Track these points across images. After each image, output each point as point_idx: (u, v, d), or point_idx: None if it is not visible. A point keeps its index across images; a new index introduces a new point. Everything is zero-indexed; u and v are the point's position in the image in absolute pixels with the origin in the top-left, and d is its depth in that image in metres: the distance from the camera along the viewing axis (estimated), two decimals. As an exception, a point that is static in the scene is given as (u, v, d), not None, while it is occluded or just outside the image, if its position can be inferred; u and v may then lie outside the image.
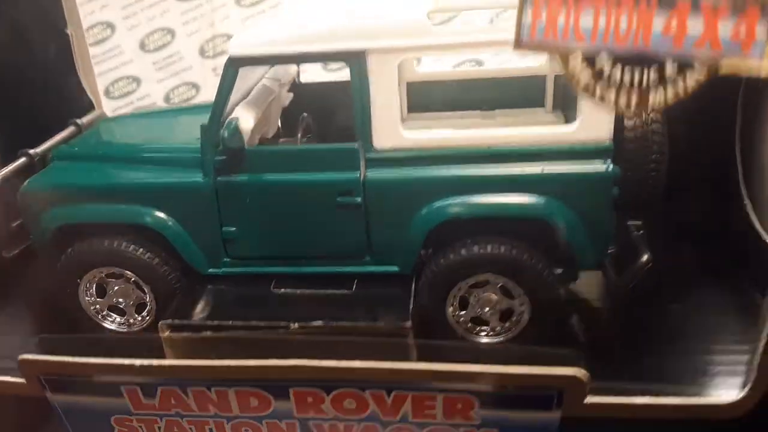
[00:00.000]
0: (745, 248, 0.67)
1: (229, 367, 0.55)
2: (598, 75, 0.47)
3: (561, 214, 0.60)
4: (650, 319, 0.65)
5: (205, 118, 0.63)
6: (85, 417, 0.59)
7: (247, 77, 0.67)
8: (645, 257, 0.61)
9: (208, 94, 1.80)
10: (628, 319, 0.66)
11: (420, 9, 0.59)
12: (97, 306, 0.68)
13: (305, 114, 0.72)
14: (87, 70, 1.01)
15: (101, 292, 0.68)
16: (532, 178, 0.59)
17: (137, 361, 0.56)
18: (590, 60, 0.48)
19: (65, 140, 0.83)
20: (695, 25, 0.44)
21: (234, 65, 0.60)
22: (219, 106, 0.61)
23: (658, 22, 0.45)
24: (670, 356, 0.62)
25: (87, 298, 0.67)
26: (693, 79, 0.45)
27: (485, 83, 0.76)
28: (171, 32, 1.76)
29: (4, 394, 0.61)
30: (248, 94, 0.68)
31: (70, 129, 0.89)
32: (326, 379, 0.54)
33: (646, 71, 0.46)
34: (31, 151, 0.80)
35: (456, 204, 0.60)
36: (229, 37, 1.74)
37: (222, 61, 1.61)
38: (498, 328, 0.65)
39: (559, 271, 0.64)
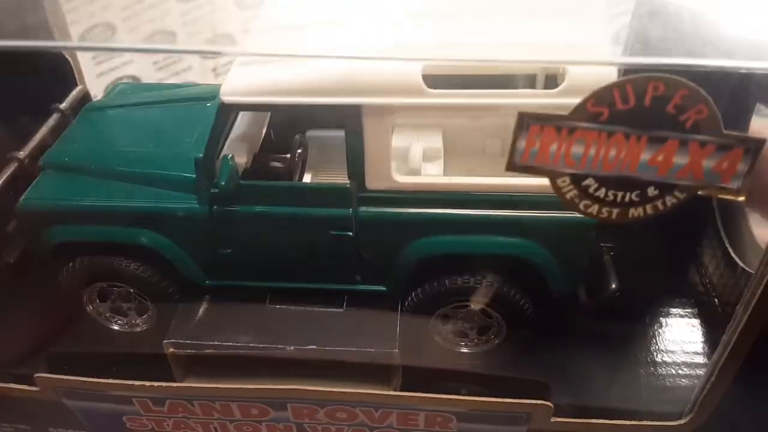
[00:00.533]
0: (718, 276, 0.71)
1: (230, 389, 0.62)
2: (583, 192, 0.50)
3: (539, 255, 0.65)
4: (613, 340, 0.69)
5: (202, 116, 0.65)
6: (100, 417, 0.67)
7: (243, 118, 0.69)
8: (613, 286, 0.66)
9: (207, 94, 1.83)
10: (594, 340, 0.69)
11: (415, 68, 0.58)
12: (101, 310, 0.72)
13: (298, 135, 0.75)
14: (63, 32, 0.91)
15: (104, 297, 0.72)
16: (514, 222, 0.63)
17: (147, 383, 0.63)
18: (577, 181, 0.51)
19: (52, 132, 0.80)
20: (681, 159, 0.48)
21: (226, 111, 0.62)
22: (212, 146, 0.62)
23: (645, 156, 0.48)
24: (632, 378, 0.69)
25: (90, 306, 0.71)
26: (672, 199, 0.50)
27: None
28: (171, 33, 1.79)
29: (20, 398, 0.66)
30: (241, 131, 0.70)
31: (55, 117, 0.83)
32: (320, 399, 0.62)
33: (628, 193, 0.50)
34: (20, 154, 0.77)
35: (440, 242, 0.64)
36: (229, 37, 1.77)
37: (222, 61, 1.65)
38: (476, 341, 0.70)
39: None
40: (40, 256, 0.69)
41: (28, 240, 0.70)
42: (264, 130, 0.71)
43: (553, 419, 0.59)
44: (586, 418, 0.61)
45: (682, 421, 0.60)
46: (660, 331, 0.75)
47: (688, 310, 0.77)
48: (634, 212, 0.50)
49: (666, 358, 0.70)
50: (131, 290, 0.69)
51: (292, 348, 0.63)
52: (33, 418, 0.69)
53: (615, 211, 0.50)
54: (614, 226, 0.62)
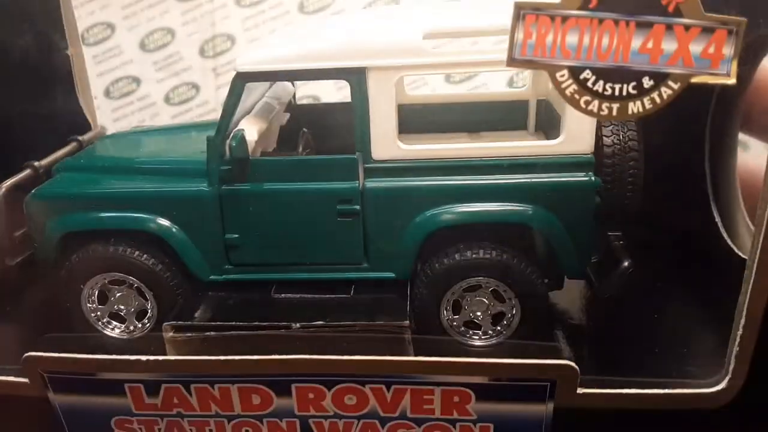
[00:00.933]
0: (716, 259, 0.71)
1: (233, 362, 0.56)
2: (582, 86, 0.51)
3: (546, 221, 0.64)
4: (633, 321, 0.69)
5: (202, 135, 0.67)
6: (86, 419, 0.60)
7: (250, 93, 0.71)
8: (626, 263, 0.65)
9: (208, 94, 1.84)
10: (611, 322, 0.69)
11: (417, 30, 0.62)
12: (98, 313, 0.69)
13: (305, 129, 0.75)
14: (85, 91, 1.05)
15: (103, 299, 0.70)
16: (519, 187, 0.63)
17: (144, 357, 0.57)
18: (575, 74, 0.52)
19: (68, 155, 0.86)
20: (669, 45, 0.49)
21: (241, 80, 0.63)
22: (225, 119, 0.64)
23: (636, 42, 0.50)
24: (654, 354, 0.67)
25: (89, 305, 0.68)
26: (668, 91, 0.50)
27: (471, 107, 0.80)
28: (171, 32, 1.80)
29: (6, 395, 0.62)
30: (251, 109, 0.72)
31: (72, 145, 0.92)
32: (327, 373, 0.56)
33: (625, 84, 0.51)
34: (36, 164, 0.83)
35: (448, 212, 0.63)
36: (229, 36, 1.79)
37: (222, 61, 1.66)
38: (490, 332, 0.67)
39: (546, 280, 0.68)
40: (44, 254, 0.68)
41: (34, 235, 0.69)
42: (272, 123, 0.72)
43: (579, 391, 0.54)
44: (614, 388, 0.57)
45: (719, 387, 0.56)
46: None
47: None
48: (633, 107, 0.50)
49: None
50: (133, 284, 0.66)
51: (297, 326, 0.60)
52: None
53: (615, 106, 0.50)
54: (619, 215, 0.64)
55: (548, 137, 0.66)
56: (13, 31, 0.83)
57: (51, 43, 0.90)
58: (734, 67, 0.47)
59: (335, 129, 0.73)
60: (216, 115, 1.74)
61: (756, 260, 0.53)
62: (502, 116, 0.75)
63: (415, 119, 0.77)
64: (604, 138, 0.63)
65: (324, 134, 0.76)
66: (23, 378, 0.60)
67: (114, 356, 0.58)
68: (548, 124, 0.67)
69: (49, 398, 0.58)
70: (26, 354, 0.59)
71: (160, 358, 0.58)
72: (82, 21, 1.79)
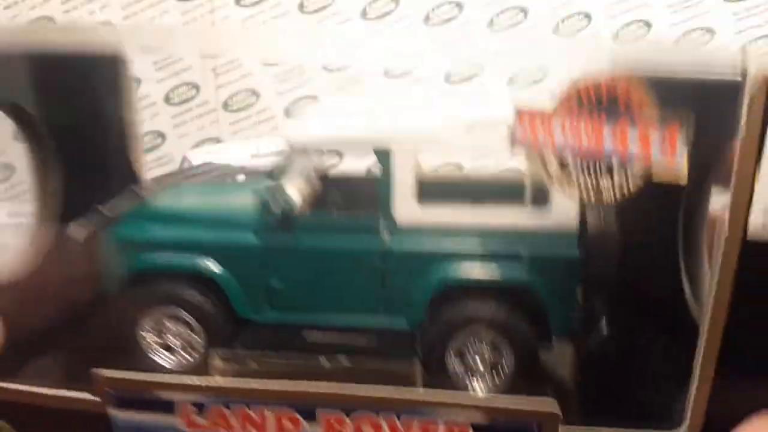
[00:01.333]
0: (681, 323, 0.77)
1: (268, 390, 0.64)
2: (565, 172, 0.59)
3: (535, 284, 0.73)
4: (610, 375, 0.75)
5: (249, 191, 0.78)
6: (136, 426, 0.67)
7: (296, 159, 0.81)
8: (603, 326, 0.77)
9: (208, 94, 1.86)
10: (589, 374, 0.79)
11: (434, 117, 0.73)
12: (151, 342, 0.77)
13: (335, 194, 0.80)
14: (138, 153, 1.13)
15: (156, 331, 0.78)
16: (515, 254, 0.73)
17: (197, 379, 0.65)
18: (560, 161, 0.60)
19: (129, 202, 0.95)
20: (633, 145, 0.56)
21: (291, 149, 0.75)
22: (275, 180, 0.76)
23: (607, 139, 0.57)
24: (624, 402, 0.74)
25: (143, 333, 0.77)
26: (634, 181, 0.58)
27: (477, 182, 0.84)
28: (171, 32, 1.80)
29: (72, 410, 0.68)
30: (294, 172, 0.81)
31: (131, 194, 1.00)
32: (348, 403, 0.63)
33: (600, 174, 0.58)
34: (101, 208, 0.91)
35: (455, 272, 0.73)
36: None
37: (222, 60, 1.66)
38: (487, 377, 0.74)
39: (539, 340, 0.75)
40: (112, 287, 0.77)
41: (104, 272, 0.77)
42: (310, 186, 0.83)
43: (560, 430, 0.63)
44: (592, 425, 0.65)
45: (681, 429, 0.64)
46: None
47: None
48: (607, 195, 0.59)
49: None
50: (187, 318, 0.74)
51: (325, 361, 0.66)
52: None
53: (592, 193, 0.60)
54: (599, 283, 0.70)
55: (541, 213, 0.74)
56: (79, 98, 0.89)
57: (111, 110, 0.99)
58: (685, 162, 0.55)
59: (360, 196, 0.82)
60: (216, 114, 1.76)
61: (706, 327, 0.61)
62: (503, 190, 0.78)
63: (432, 191, 0.82)
64: (588, 216, 0.73)
65: (351, 199, 0.85)
66: (87, 394, 0.67)
67: (172, 378, 0.67)
68: (541, 202, 0.74)
69: (109, 413, 0.65)
70: (95, 371, 0.66)
71: (211, 382, 0.66)
72: (82, 21, 1.80)
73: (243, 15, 1.81)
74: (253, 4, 1.79)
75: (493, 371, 0.74)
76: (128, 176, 1.03)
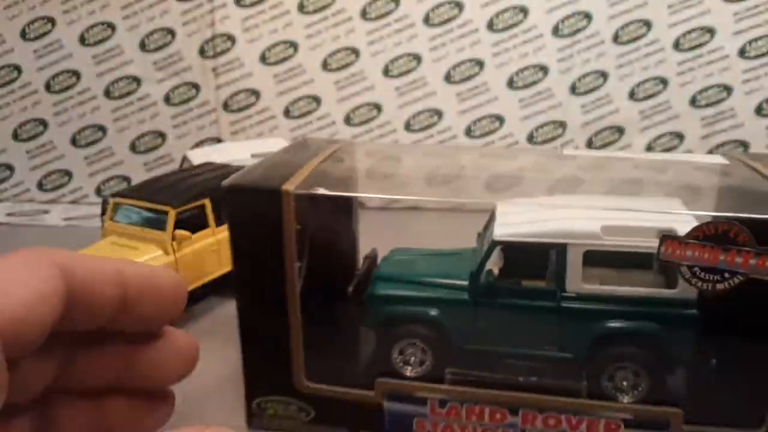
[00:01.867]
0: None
1: (488, 394, 0.92)
2: (694, 276, 0.83)
3: (663, 333, 0.93)
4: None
5: (464, 262, 1.01)
6: (400, 418, 0.93)
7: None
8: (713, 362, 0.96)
9: (208, 94, 1.87)
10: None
11: (597, 222, 0.92)
12: (398, 360, 1.00)
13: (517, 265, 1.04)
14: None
15: (401, 353, 1.00)
16: (653, 314, 0.93)
17: (441, 385, 0.94)
18: (691, 269, 0.82)
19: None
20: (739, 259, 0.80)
21: (495, 245, 0.96)
22: (482, 265, 0.96)
23: (722, 257, 0.80)
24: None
25: (394, 357, 1.00)
26: (737, 279, 0.79)
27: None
28: (171, 32, 1.81)
29: (358, 403, 0.93)
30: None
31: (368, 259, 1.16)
32: (540, 406, 0.90)
33: (716, 276, 0.81)
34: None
35: (610, 325, 0.94)
36: (229, 36, 1.80)
37: (222, 60, 1.67)
38: (628, 394, 0.95)
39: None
40: (373, 324, 1.02)
41: (371, 316, 1.02)
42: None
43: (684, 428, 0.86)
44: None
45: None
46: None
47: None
48: (720, 287, 0.80)
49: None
50: (422, 345, 0.99)
51: (521, 379, 0.94)
52: (356, 424, 0.96)
53: (709, 285, 0.80)
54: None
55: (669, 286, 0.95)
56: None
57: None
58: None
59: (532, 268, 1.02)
60: (216, 114, 1.76)
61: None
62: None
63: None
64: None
65: (524, 272, 1.04)
66: (370, 392, 0.93)
67: (426, 384, 0.94)
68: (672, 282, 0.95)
69: (383, 405, 0.93)
70: (378, 380, 0.93)
71: (451, 380, 0.94)
72: (83, 21, 1.81)
73: (243, 15, 1.82)
74: (253, 4, 1.80)
75: (633, 390, 0.96)
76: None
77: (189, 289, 1.21)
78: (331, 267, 1.07)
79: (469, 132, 1.83)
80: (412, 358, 1.00)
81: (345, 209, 1.15)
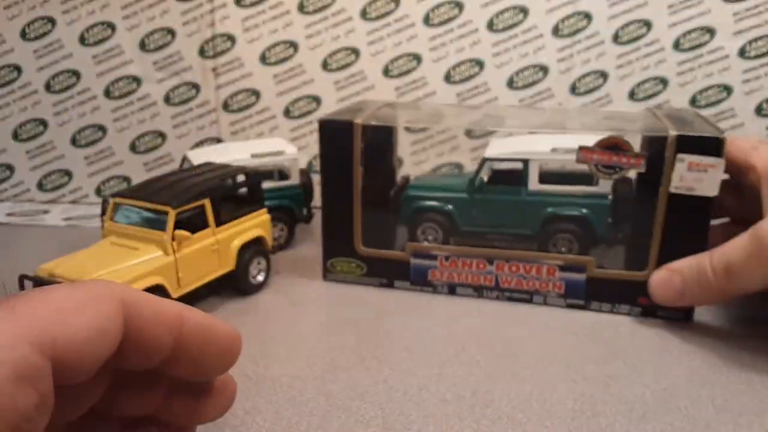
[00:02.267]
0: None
1: (474, 251, 1.33)
2: (598, 170, 1.27)
3: (592, 215, 1.37)
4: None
5: (460, 178, 1.54)
6: (418, 272, 1.34)
7: (486, 163, 1.44)
8: (620, 236, 1.40)
9: (208, 94, 1.87)
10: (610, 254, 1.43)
11: (548, 145, 1.38)
12: (420, 234, 1.44)
13: (498, 176, 1.48)
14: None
15: (423, 231, 1.45)
16: (583, 203, 1.38)
17: (446, 246, 1.39)
18: (596, 167, 1.31)
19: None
20: (624, 160, 1.25)
21: (485, 161, 1.41)
22: (475, 175, 1.43)
23: (615, 159, 1.26)
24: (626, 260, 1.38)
25: (418, 233, 1.44)
26: (624, 174, 1.21)
27: (566, 174, 1.44)
28: (171, 32, 1.81)
29: (395, 260, 1.36)
30: (484, 169, 1.45)
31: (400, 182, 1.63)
32: (507, 257, 1.30)
33: (614, 171, 1.28)
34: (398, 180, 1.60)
35: (556, 210, 1.40)
36: (229, 37, 1.80)
37: (222, 60, 1.67)
38: (567, 253, 1.37)
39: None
40: (406, 215, 1.46)
41: (401, 210, 1.47)
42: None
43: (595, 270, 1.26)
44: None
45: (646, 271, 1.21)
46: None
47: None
48: (615, 176, 1.21)
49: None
50: (435, 227, 1.43)
51: (496, 244, 1.40)
52: (392, 275, 1.37)
53: (607, 176, 1.20)
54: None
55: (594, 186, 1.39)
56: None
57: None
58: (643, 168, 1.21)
59: (511, 177, 1.43)
60: (216, 114, 1.76)
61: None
62: (581, 178, 1.38)
63: (545, 178, 1.41)
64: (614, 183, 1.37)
65: (502, 180, 1.45)
66: (402, 252, 1.36)
67: (438, 245, 1.38)
68: (595, 182, 1.39)
69: (409, 260, 1.34)
70: (407, 244, 1.37)
71: (451, 246, 1.38)
72: (83, 21, 1.81)
73: (243, 15, 1.82)
74: (253, 4, 1.80)
75: (568, 252, 1.38)
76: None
77: (189, 289, 1.22)
78: (379, 176, 1.48)
79: (469, 131, 1.83)
80: (430, 236, 1.43)
81: (389, 140, 1.55)
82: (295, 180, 1.57)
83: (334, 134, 1.31)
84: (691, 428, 0.87)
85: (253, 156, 1.51)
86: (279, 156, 1.55)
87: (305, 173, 1.65)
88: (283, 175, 1.57)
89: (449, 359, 1.07)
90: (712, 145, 1.10)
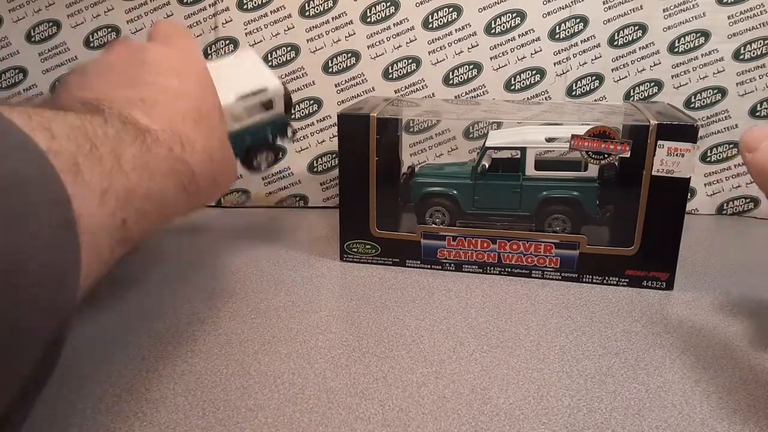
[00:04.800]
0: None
1: (477, 232, 1.49)
2: (588, 157, 1.36)
3: (582, 197, 1.52)
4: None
5: (465, 166, 1.67)
6: (428, 249, 1.51)
7: (486, 152, 1.58)
8: (607, 216, 1.56)
9: (210, 96, 1.90)
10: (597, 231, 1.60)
11: (543, 135, 1.52)
12: (428, 218, 1.59)
13: (498, 163, 1.64)
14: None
15: (430, 215, 1.59)
16: (573, 186, 1.54)
17: (455, 227, 1.54)
18: (588, 154, 1.41)
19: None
20: (612, 147, 1.39)
21: (485, 149, 1.56)
22: (478, 162, 1.58)
23: (603, 146, 1.35)
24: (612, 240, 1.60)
25: (426, 217, 1.59)
26: (610, 159, 1.36)
27: (559, 162, 1.63)
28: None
29: (405, 241, 1.53)
30: (485, 157, 1.59)
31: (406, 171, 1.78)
32: (509, 237, 1.47)
33: (601, 157, 1.37)
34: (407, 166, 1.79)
35: (549, 192, 1.54)
36: (231, 40, 1.86)
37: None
38: (561, 232, 1.52)
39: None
40: (415, 201, 1.61)
41: (411, 195, 1.63)
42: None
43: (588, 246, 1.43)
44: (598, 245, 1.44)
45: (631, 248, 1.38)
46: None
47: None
48: (603, 162, 1.37)
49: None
50: (441, 210, 1.58)
51: (498, 224, 1.56)
52: (403, 254, 1.54)
53: (597, 161, 1.37)
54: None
55: (585, 172, 1.55)
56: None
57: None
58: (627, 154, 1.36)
59: (510, 164, 1.60)
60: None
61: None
62: (572, 165, 1.56)
63: (541, 165, 1.56)
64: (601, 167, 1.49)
65: (502, 167, 1.62)
66: (414, 234, 1.52)
67: (447, 227, 1.54)
68: (585, 168, 1.54)
69: (420, 241, 1.51)
70: (418, 226, 1.53)
71: (459, 227, 1.53)
72: (87, 25, 1.88)
73: (245, 18, 1.89)
74: (256, 8, 1.87)
75: (563, 232, 1.53)
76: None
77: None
78: (390, 164, 1.65)
79: (467, 133, 1.89)
80: (437, 219, 1.58)
81: (395, 132, 1.74)
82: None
83: (352, 126, 1.47)
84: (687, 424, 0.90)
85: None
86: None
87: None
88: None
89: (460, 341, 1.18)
90: (688, 132, 1.32)
